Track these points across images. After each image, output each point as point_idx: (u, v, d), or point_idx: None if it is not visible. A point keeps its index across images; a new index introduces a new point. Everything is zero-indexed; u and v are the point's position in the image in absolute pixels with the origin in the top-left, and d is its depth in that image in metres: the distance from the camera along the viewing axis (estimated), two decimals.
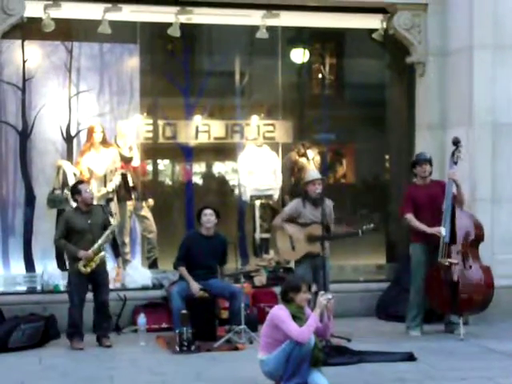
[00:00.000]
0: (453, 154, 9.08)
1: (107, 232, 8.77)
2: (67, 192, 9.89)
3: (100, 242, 8.66)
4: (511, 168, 10.03)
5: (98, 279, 8.74)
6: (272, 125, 12.60)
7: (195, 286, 8.94)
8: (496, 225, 9.72)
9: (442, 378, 7.15)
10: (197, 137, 12.49)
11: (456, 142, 9.11)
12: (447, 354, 8.14)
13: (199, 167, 14.17)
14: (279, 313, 6.60)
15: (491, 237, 9.42)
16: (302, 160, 11.51)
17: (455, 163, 9.05)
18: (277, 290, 9.67)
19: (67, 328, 8.63)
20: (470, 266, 8.90)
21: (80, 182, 9.26)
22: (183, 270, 9.08)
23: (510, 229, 9.93)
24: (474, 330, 9.04)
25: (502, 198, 10.02)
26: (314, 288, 8.14)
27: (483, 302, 8.90)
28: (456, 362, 7.81)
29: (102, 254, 8.71)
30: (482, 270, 8.94)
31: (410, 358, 7.88)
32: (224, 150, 13.36)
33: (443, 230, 8.84)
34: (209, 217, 9.15)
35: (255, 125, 12.24)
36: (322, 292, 6.89)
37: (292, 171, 11.55)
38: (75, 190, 8.86)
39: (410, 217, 9.09)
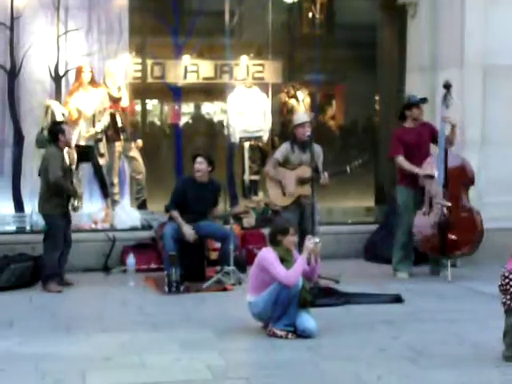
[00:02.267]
0: (445, 97, 9.03)
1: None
2: None
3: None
4: (502, 110, 10.01)
5: (69, 219, 8.73)
6: (261, 65, 12.51)
7: (189, 232, 8.88)
8: (485, 167, 9.73)
9: (430, 319, 7.20)
10: (185, 77, 12.41)
11: (447, 86, 9.05)
12: (435, 296, 8.20)
13: (188, 108, 14.11)
14: (267, 255, 6.62)
15: (480, 179, 9.42)
16: (292, 101, 11.44)
17: (447, 106, 9.01)
18: (266, 231, 9.69)
19: (47, 271, 8.52)
20: (461, 209, 8.92)
21: (62, 121, 9.15)
22: (176, 213, 8.98)
23: (499, 171, 9.94)
24: (461, 272, 9.10)
25: (491, 140, 10.02)
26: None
27: (472, 245, 8.95)
28: (444, 304, 7.87)
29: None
30: (472, 212, 8.97)
31: (397, 299, 7.93)
32: (213, 91, 13.29)
33: (436, 173, 8.85)
34: (198, 165, 9.00)
35: (244, 65, 12.14)
36: (309, 236, 6.90)
37: (282, 112, 11.50)
38: (59, 129, 8.64)
39: (401, 159, 9.07)
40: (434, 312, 7.47)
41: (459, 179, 9.01)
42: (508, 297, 5.79)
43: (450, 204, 8.84)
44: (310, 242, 6.64)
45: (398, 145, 9.15)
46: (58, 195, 8.50)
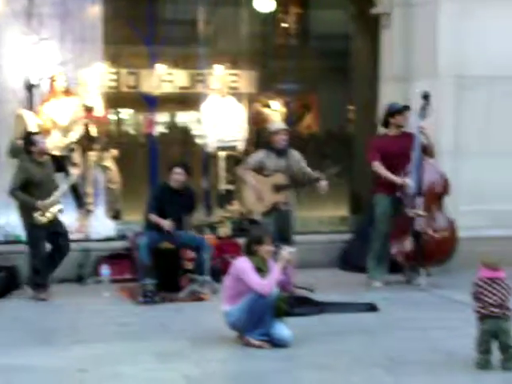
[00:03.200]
0: (423, 107, 9.09)
1: (65, 183, 8.68)
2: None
3: (58, 193, 8.58)
4: (475, 121, 10.09)
5: (57, 229, 8.67)
6: (236, 75, 12.50)
7: (167, 223, 8.77)
8: (459, 177, 9.78)
9: (404, 328, 7.24)
10: (160, 86, 12.37)
11: (426, 96, 9.12)
12: (409, 304, 8.24)
13: (163, 117, 14.05)
14: (242, 265, 6.62)
15: (454, 189, 9.48)
16: (267, 111, 11.46)
17: (424, 117, 9.07)
18: (241, 241, 9.69)
19: (32, 277, 8.57)
20: (435, 218, 8.98)
21: (33, 132, 9.13)
22: (154, 216, 8.87)
23: (472, 181, 10.01)
24: (436, 280, 9.15)
25: (464, 151, 10.09)
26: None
27: (447, 254, 9.01)
28: (418, 312, 7.91)
29: (60, 205, 8.63)
30: (447, 222, 9.03)
31: (372, 308, 7.96)
32: (188, 100, 13.25)
33: (410, 181, 8.90)
34: (177, 176, 8.95)
35: (219, 75, 12.13)
36: (284, 247, 6.89)
37: (256, 122, 11.51)
38: (29, 141, 8.69)
39: (377, 165, 9.09)
40: (408, 320, 7.51)
41: (435, 189, 9.07)
42: (480, 305, 5.85)
43: (424, 213, 8.89)
44: (286, 251, 6.65)
45: (374, 151, 9.18)
46: (23, 207, 8.52)
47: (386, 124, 9.31)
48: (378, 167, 9.08)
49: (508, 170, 10.10)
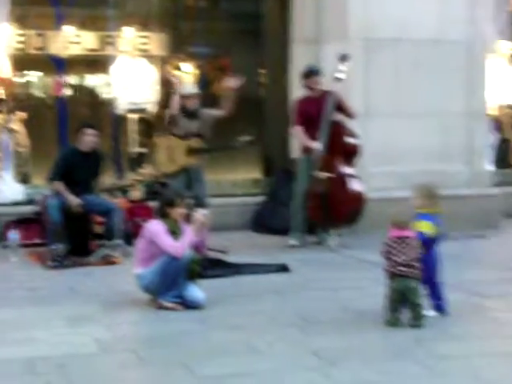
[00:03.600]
0: (339, 69, 9.14)
1: None
2: None
3: None
4: (384, 83, 10.20)
5: None
6: (146, 37, 12.36)
7: (74, 200, 8.72)
8: (368, 139, 9.89)
9: (315, 288, 7.32)
10: (68, 48, 12.14)
11: (343, 58, 9.16)
12: (321, 264, 8.34)
13: (71, 79, 13.80)
14: (155, 227, 6.59)
15: (364, 151, 9.59)
16: (179, 73, 11.38)
17: (340, 79, 9.13)
18: (153, 204, 9.64)
19: None
20: (344, 179, 9.08)
21: None
22: (60, 184, 8.80)
23: (381, 143, 10.14)
24: (346, 241, 9.27)
25: (374, 113, 10.20)
26: (190, 202, 8.16)
27: (355, 215, 9.13)
28: (329, 272, 8.01)
29: None
30: (355, 182, 9.13)
31: (284, 269, 8.03)
32: (97, 63, 13.04)
33: (319, 144, 8.97)
34: (92, 138, 8.89)
35: (128, 36, 11.97)
36: (197, 209, 6.89)
37: (168, 84, 11.41)
38: None
39: (296, 130, 9.18)
40: (319, 280, 7.60)
41: (344, 150, 9.16)
42: (389, 263, 5.95)
43: (329, 175, 8.97)
44: (199, 213, 6.64)
45: (296, 115, 9.25)
46: None
47: (305, 86, 9.36)
48: (297, 132, 9.16)
49: (416, 131, 10.26)
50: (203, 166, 8.98)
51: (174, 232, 6.58)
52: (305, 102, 9.30)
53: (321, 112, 9.09)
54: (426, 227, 6.09)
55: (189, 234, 6.53)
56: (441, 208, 6.24)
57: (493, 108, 11.86)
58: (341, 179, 9.05)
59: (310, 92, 9.29)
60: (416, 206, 6.25)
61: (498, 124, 12.66)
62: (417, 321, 5.94)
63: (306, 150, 9.17)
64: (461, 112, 10.46)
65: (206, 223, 6.69)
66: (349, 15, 10.10)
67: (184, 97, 8.94)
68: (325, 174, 8.97)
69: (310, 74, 9.27)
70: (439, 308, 6.23)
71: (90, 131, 8.89)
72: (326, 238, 9.23)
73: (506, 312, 6.64)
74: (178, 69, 11.37)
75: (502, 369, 5.08)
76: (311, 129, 9.08)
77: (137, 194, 10.35)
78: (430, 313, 6.16)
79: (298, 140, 9.25)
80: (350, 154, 9.20)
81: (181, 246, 6.46)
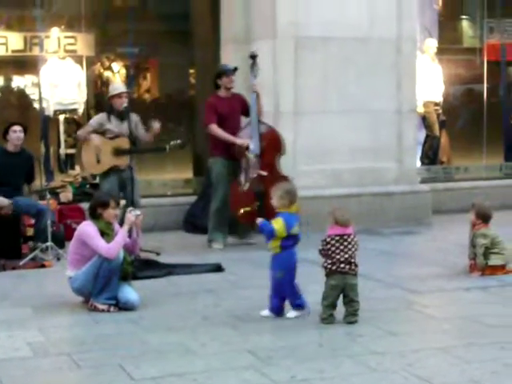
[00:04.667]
0: (251, 67, 9.18)
1: None
2: None
3: None
4: (314, 81, 10.25)
5: None
6: (73, 37, 12.26)
7: (4, 201, 8.57)
8: (299, 137, 9.95)
9: (249, 286, 7.33)
10: None
11: (253, 56, 9.20)
12: (252, 263, 8.34)
13: None
14: (87, 229, 6.53)
15: (294, 149, 9.64)
16: (107, 73, 11.30)
17: (255, 77, 9.16)
18: (83, 206, 9.56)
19: None
20: (275, 178, 9.09)
21: None
22: None
23: (311, 141, 10.19)
24: None
25: (304, 111, 10.24)
26: (122, 202, 8.12)
27: None
28: (263, 271, 7.93)
29: None
30: (285, 180, 9.14)
31: (217, 268, 8.03)
32: (23, 63, 12.89)
33: (251, 143, 8.98)
34: (18, 134, 8.85)
35: (56, 37, 11.85)
36: (130, 208, 6.87)
37: (96, 85, 11.34)
38: None
39: (214, 127, 9.12)
40: (253, 279, 7.61)
41: (272, 148, 9.20)
42: (329, 261, 5.98)
43: (265, 173, 9.00)
44: (132, 214, 6.60)
45: (210, 113, 9.20)
46: None
47: (217, 86, 9.35)
48: (215, 129, 9.10)
49: (346, 129, 10.33)
50: (136, 167, 8.91)
51: (107, 233, 6.53)
52: (217, 101, 9.28)
53: (232, 112, 9.11)
54: (277, 225, 6.09)
55: (121, 235, 6.49)
56: (299, 208, 6.21)
57: (419, 105, 12.02)
58: (275, 177, 9.06)
59: (222, 92, 9.29)
60: (275, 205, 6.21)
61: (424, 121, 12.86)
62: (354, 317, 5.99)
63: (223, 151, 9.12)
64: (390, 109, 10.57)
65: (138, 223, 6.65)
66: (277, 14, 10.12)
67: (113, 96, 8.87)
68: (262, 173, 8.98)
69: (223, 73, 9.27)
70: (300, 306, 6.20)
71: (16, 127, 8.87)
72: (251, 236, 9.22)
73: (438, 307, 6.76)
74: (108, 69, 11.27)
75: (434, 364, 5.16)
76: (224, 129, 9.08)
77: (67, 195, 10.22)
78: (291, 314, 6.16)
79: (218, 138, 9.14)
80: (277, 151, 9.23)
81: (113, 248, 6.41)
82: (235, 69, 9.27)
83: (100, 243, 6.42)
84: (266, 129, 9.24)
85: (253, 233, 9.16)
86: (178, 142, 8.94)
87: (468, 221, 7.71)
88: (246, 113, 9.26)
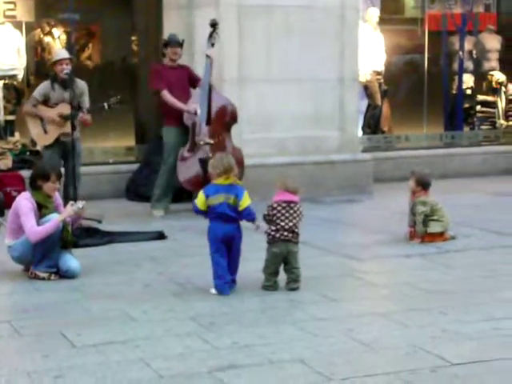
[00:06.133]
0: (210, 35, 9.12)
1: None
2: None
3: None
4: (257, 49, 10.22)
5: None
6: (13, 2, 12.04)
7: None
8: (243, 106, 9.92)
9: (191, 254, 7.34)
10: None
11: (213, 24, 9.14)
12: (197, 231, 8.29)
13: None
14: (22, 203, 6.43)
15: (239, 117, 9.62)
16: (47, 39, 11.12)
17: (213, 45, 9.11)
18: (23, 173, 9.44)
19: None
20: (224, 146, 9.09)
21: None
22: None
23: (255, 109, 10.18)
24: None
25: (248, 79, 10.22)
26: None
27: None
28: (204, 238, 7.99)
29: None
30: (234, 149, 9.14)
31: (160, 236, 8.01)
32: None
33: (199, 110, 8.93)
34: None
35: None
36: (72, 202, 6.71)
37: (36, 50, 11.16)
38: None
39: (166, 94, 9.04)
40: (195, 247, 7.57)
41: (222, 117, 9.17)
42: (273, 227, 6.00)
43: (212, 141, 8.98)
44: (73, 207, 6.47)
45: (157, 79, 9.12)
46: None
47: (164, 55, 9.29)
48: (167, 96, 9.03)
49: (289, 98, 10.34)
50: (79, 137, 8.79)
51: (45, 206, 6.44)
52: (163, 69, 9.22)
53: (179, 82, 9.05)
54: (197, 199, 6.05)
55: (54, 223, 6.34)
56: (235, 179, 6.08)
57: (361, 74, 12.08)
58: (223, 145, 9.05)
59: (168, 62, 9.22)
60: (211, 177, 6.11)
61: (366, 90, 12.94)
62: (295, 283, 6.03)
63: (175, 119, 9.05)
64: (333, 78, 10.60)
65: (80, 213, 6.57)
66: None
67: (55, 62, 8.72)
68: (209, 141, 8.94)
69: (169, 43, 9.20)
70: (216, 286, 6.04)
71: None
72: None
73: (378, 274, 6.85)
74: (48, 34, 11.08)
75: (375, 329, 5.23)
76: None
77: (7, 162, 10.07)
78: (212, 290, 6.02)
79: (171, 107, 9.08)
80: (228, 120, 9.21)
81: (40, 232, 6.29)
82: (182, 42, 9.19)
83: (28, 223, 6.30)
84: (217, 96, 9.19)
85: None
86: (117, 98, 8.81)
87: (408, 189, 7.80)
88: (193, 84, 9.19)
